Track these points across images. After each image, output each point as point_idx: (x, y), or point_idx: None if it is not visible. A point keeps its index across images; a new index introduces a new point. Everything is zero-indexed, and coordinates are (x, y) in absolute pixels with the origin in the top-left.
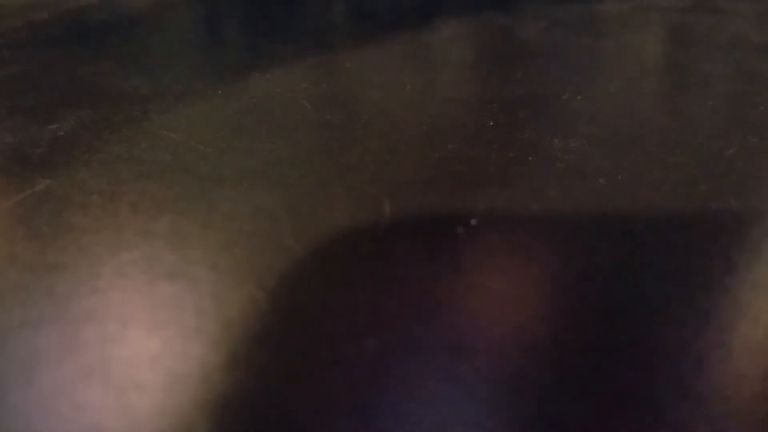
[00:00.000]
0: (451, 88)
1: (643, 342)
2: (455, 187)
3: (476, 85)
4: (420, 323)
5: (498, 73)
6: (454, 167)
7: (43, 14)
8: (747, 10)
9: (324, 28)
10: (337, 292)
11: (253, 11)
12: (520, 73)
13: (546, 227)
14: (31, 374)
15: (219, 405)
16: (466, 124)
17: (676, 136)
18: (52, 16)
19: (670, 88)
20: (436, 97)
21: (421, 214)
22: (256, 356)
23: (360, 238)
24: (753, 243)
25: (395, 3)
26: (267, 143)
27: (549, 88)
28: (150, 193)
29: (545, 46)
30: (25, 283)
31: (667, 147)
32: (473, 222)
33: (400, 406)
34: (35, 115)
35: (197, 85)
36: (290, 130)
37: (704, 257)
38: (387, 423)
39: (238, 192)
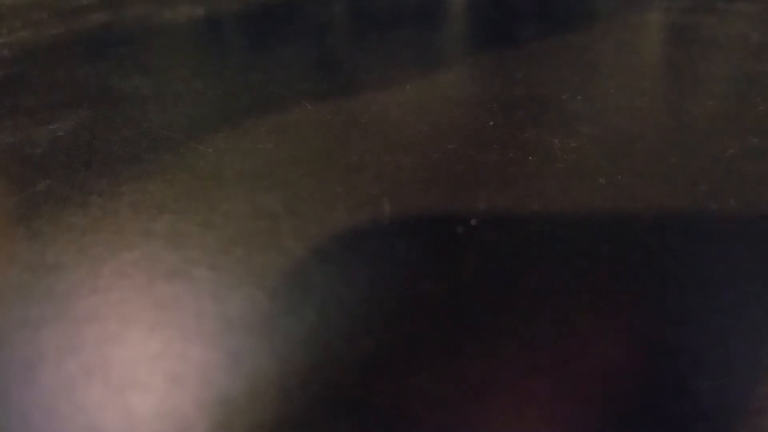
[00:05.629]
0: (451, 88)
1: (641, 341)
2: (455, 187)
3: (476, 85)
4: (419, 323)
5: (498, 73)
6: (454, 167)
7: (43, 14)
8: (747, 10)
9: (324, 28)
10: (337, 292)
11: (253, 11)
12: (520, 73)
13: (546, 227)
14: (31, 374)
15: (219, 405)
16: (466, 124)
17: (676, 136)
18: (52, 16)
19: (670, 88)
20: (436, 97)
21: (421, 214)
22: (256, 356)
23: (360, 238)
24: (752, 243)
25: (395, 3)
26: (267, 143)
27: (549, 88)
28: (150, 193)
29: (545, 46)
30: (25, 283)
31: (667, 147)
32: (473, 222)
33: (400, 405)
34: (35, 115)
35: (197, 85)
36: (290, 130)
37: (704, 257)
38: (387, 422)
39: (238, 192)
